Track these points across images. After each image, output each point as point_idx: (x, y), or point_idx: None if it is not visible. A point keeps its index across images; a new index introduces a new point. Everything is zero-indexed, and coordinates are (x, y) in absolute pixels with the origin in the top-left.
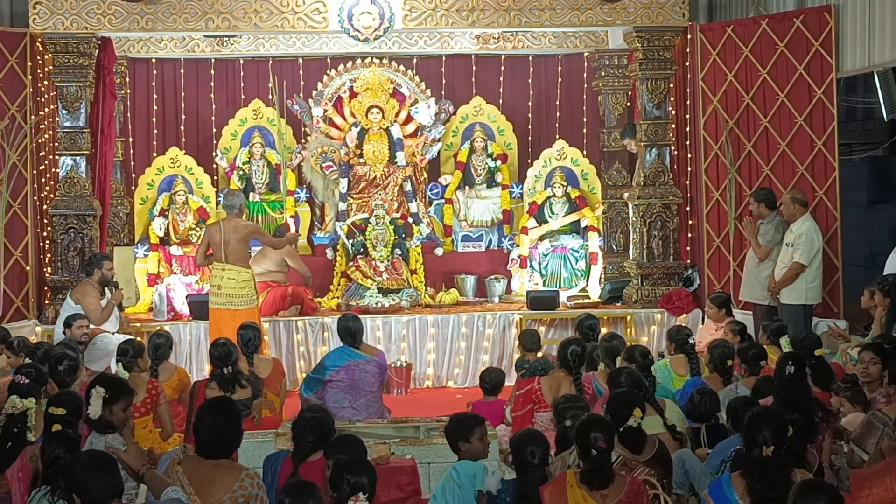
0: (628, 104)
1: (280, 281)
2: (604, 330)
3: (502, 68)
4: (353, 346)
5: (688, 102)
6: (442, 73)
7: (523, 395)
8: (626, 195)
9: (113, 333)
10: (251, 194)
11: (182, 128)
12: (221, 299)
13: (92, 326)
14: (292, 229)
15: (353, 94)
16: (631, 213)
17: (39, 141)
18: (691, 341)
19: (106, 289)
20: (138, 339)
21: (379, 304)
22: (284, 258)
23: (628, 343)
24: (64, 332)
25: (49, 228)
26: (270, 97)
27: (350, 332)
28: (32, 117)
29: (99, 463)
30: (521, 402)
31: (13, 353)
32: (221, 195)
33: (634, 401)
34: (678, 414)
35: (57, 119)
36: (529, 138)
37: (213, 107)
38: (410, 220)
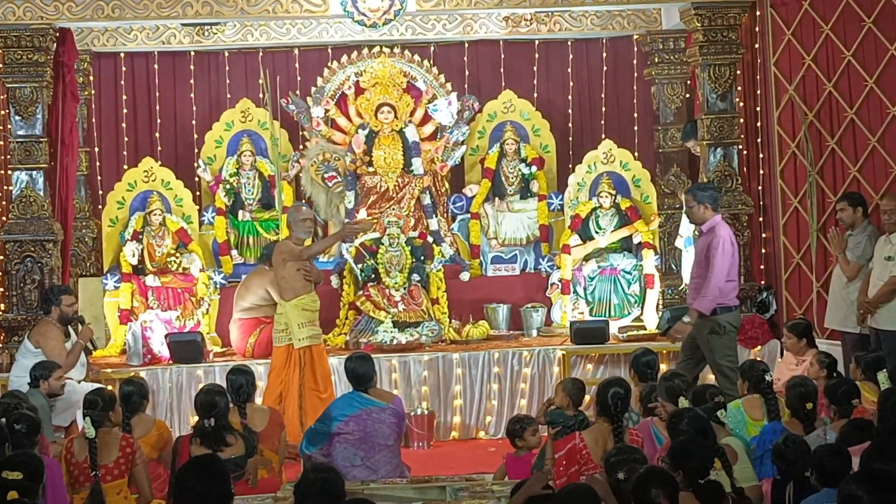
0: (687, 96)
1: (273, 316)
2: (663, 367)
3: (536, 56)
4: (363, 391)
5: (758, 92)
6: (465, 63)
7: (565, 455)
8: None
9: (79, 381)
10: (240, 212)
11: (157, 135)
12: None
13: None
14: (361, 215)
15: (359, 91)
16: (691, 225)
17: None
18: (768, 378)
19: (70, 328)
20: (109, 387)
21: (394, 341)
22: (267, 288)
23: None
24: (36, 385)
25: (1, 257)
26: (261, 96)
27: (355, 375)
28: None
29: None
30: (563, 465)
31: None
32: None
33: (706, 450)
34: (751, 467)
35: (8, 127)
36: (570, 139)
37: (194, 109)
38: (430, 239)
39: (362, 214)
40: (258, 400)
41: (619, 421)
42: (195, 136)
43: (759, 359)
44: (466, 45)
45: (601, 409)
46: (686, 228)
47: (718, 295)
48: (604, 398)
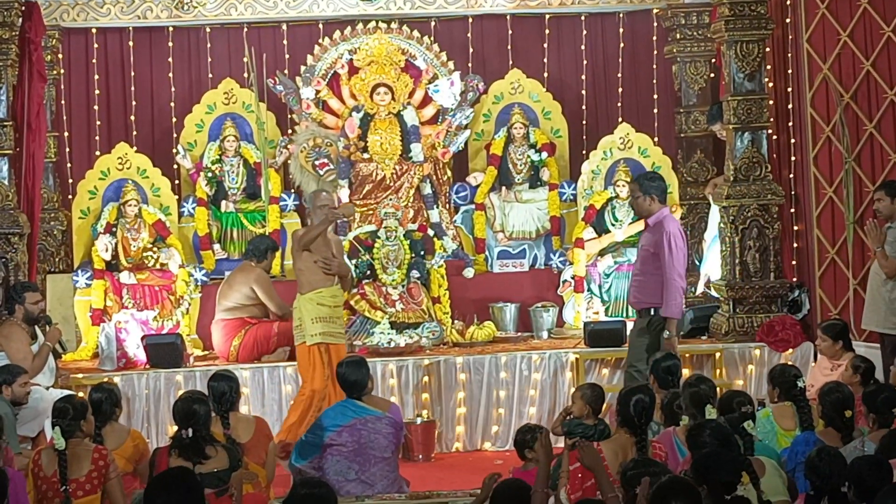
0: (712, 75)
1: (259, 316)
2: (686, 372)
3: (547, 32)
4: (357, 399)
5: (789, 72)
6: (468, 39)
7: (581, 467)
8: (709, 193)
9: (47, 388)
10: (223, 203)
11: (132, 118)
12: None
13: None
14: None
15: (353, 70)
16: (718, 218)
17: None
18: (800, 384)
19: (37, 329)
20: (80, 394)
21: (392, 344)
22: (252, 286)
23: (719, 388)
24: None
25: None
26: (246, 76)
27: (348, 381)
28: None
29: None
30: (578, 478)
31: None
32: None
33: (730, 463)
34: (780, 481)
35: None
36: (584, 123)
37: (173, 90)
38: (431, 232)
39: (344, 198)
40: (270, 405)
41: (644, 433)
42: (174, 119)
43: (790, 363)
44: (470, 19)
45: (623, 418)
46: (714, 228)
47: (683, 294)
48: (626, 407)
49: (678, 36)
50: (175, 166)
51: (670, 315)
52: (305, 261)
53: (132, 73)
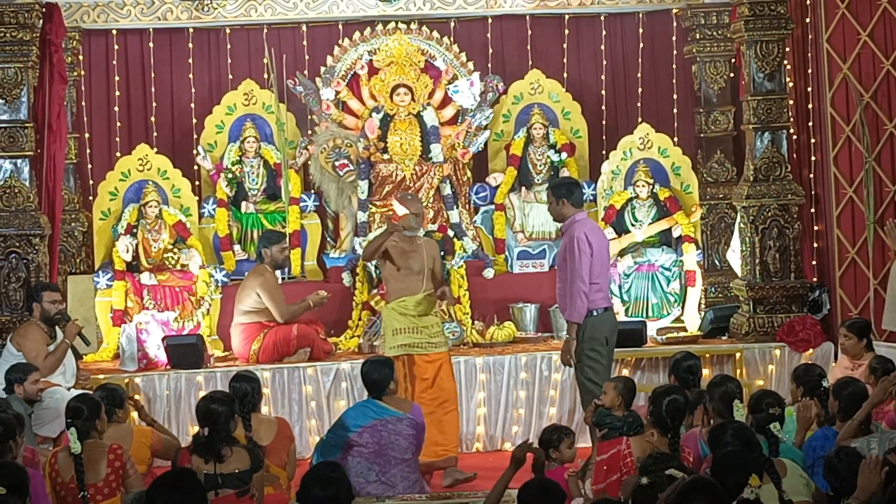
0: (731, 75)
1: (274, 320)
2: (706, 372)
3: (566, 32)
4: (377, 399)
5: (809, 71)
6: (488, 40)
7: (607, 460)
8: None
9: (68, 389)
10: (244, 203)
11: (153, 119)
12: None
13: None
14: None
15: (373, 71)
16: (739, 218)
17: None
18: (825, 384)
19: (58, 329)
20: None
21: None
22: (258, 291)
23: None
24: (11, 389)
25: None
26: (266, 77)
27: (370, 380)
28: None
29: None
30: (603, 470)
31: None
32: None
33: (748, 464)
34: (802, 480)
35: None
36: (604, 123)
37: (193, 91)
38: (451, 233)
39: (400, 209)
40: (290, 406)
41: (676, 434)
42: (194, 120)
43: (812, 362)
44: (490, 20)
45: (655, 419)
46: (738, 242)
47: (587, 300)
48: (658, 407)
49: (698, 36)
50: (195, 167)
51: (571, 319)
52: (388, 269)
53: (152, 75)
